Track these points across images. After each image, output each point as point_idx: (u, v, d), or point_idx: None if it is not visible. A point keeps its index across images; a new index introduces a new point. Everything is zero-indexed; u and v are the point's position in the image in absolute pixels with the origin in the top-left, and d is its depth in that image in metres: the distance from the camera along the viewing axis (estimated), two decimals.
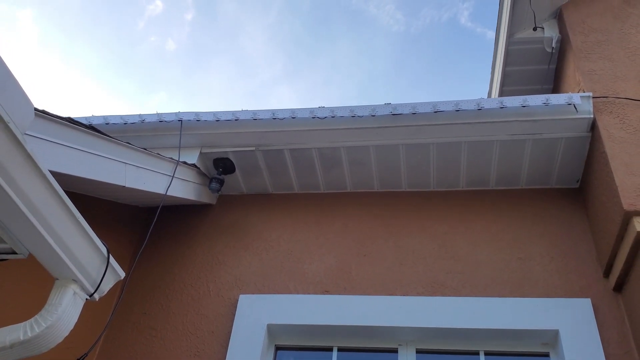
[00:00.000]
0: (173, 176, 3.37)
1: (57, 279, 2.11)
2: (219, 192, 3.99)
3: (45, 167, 1.81)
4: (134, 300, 3.65)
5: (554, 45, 4.15)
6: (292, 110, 3.59)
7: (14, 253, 2.02)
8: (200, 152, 3.81)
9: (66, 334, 2.07)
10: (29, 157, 1.74)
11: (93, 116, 3.82)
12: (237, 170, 3.94)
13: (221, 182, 3.84)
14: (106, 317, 3.40)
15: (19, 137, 1.68)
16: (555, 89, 4.47)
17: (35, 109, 2.07)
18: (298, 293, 3.50)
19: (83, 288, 2.14)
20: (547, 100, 3.33)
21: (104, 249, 2.17)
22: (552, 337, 3.12)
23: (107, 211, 3.61)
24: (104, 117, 3.79)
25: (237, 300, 3.49)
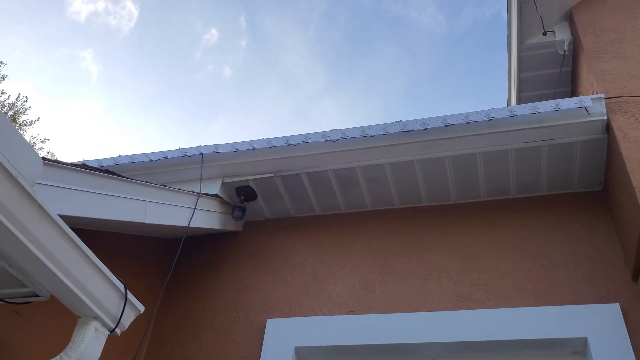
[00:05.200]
0: (195, 208, 3.50)
1: (80, 317, 2.24)
2: (243, 219, 4.10)
3: (56, 215, 1.94)
4: (167, 329, 3.78)
5: (565, 48, 4.10)
6: (305, 136, 3.68)
7: (37, 296, 2.16)
8: (223, 182, 3.94)
9: None
10: (39, 207, 1.88)
11: (120, 156, 4.02)
12: (259, 197, 4.04)
13: (243, 210, 3.95)
14: (140, 347, 3.54)
15: (28, 189, 1.82)
16: (573, 91, 4.40)
17: (48, 159, 2.23)
18: (324, 314, 3.55)
19: (104, 324, 2.26)
20: (557, 105, 3.30)
21: (121, 286, 2.29)
22: (581, 345, 3.06)
23: (139, 245, 3.78)
24: (130, 157, 3.98)
25: (265, 325, 3.57)
